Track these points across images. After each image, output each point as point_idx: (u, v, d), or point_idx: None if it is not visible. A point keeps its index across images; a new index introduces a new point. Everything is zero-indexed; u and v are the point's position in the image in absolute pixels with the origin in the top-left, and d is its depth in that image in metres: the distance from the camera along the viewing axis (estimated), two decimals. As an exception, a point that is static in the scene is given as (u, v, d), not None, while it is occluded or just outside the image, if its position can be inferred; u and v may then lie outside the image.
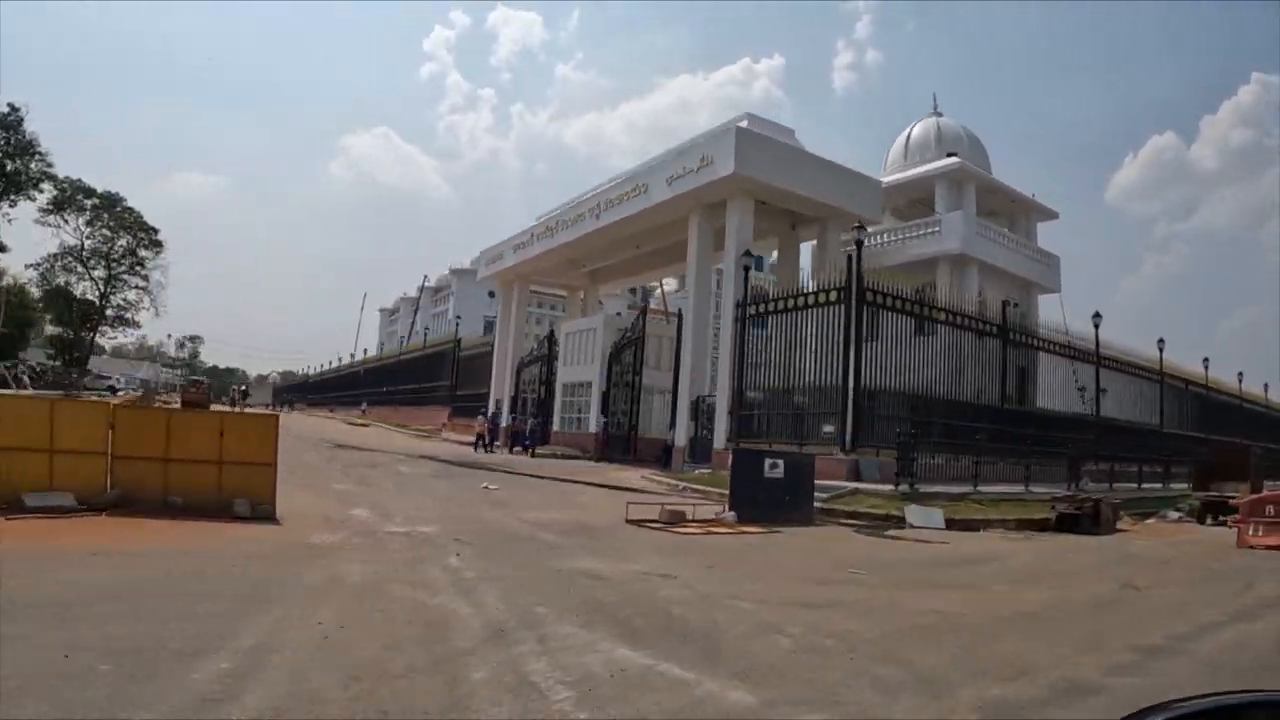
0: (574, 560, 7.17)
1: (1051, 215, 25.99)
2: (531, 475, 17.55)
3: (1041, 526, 12.96)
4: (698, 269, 21.65)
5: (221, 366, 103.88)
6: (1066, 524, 12.81)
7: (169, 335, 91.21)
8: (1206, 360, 30.81)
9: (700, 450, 20.63)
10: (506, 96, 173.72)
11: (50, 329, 54.40)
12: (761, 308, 19.15)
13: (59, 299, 50.08)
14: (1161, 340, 27.71)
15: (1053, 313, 25.63)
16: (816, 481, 15.49)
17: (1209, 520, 16.14)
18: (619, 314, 26.03)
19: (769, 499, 11.66)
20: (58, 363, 50.55)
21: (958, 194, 22.89)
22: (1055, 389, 23.87)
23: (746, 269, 19.65)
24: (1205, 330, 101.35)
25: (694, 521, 10.61)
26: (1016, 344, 20.62)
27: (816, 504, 13.76)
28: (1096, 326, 23.72)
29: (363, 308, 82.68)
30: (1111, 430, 24.17)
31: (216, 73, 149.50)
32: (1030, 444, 19.33)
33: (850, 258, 16.89)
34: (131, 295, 52.18)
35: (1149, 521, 16.44)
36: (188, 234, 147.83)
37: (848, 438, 16.39)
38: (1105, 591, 6.68)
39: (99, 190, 48.96)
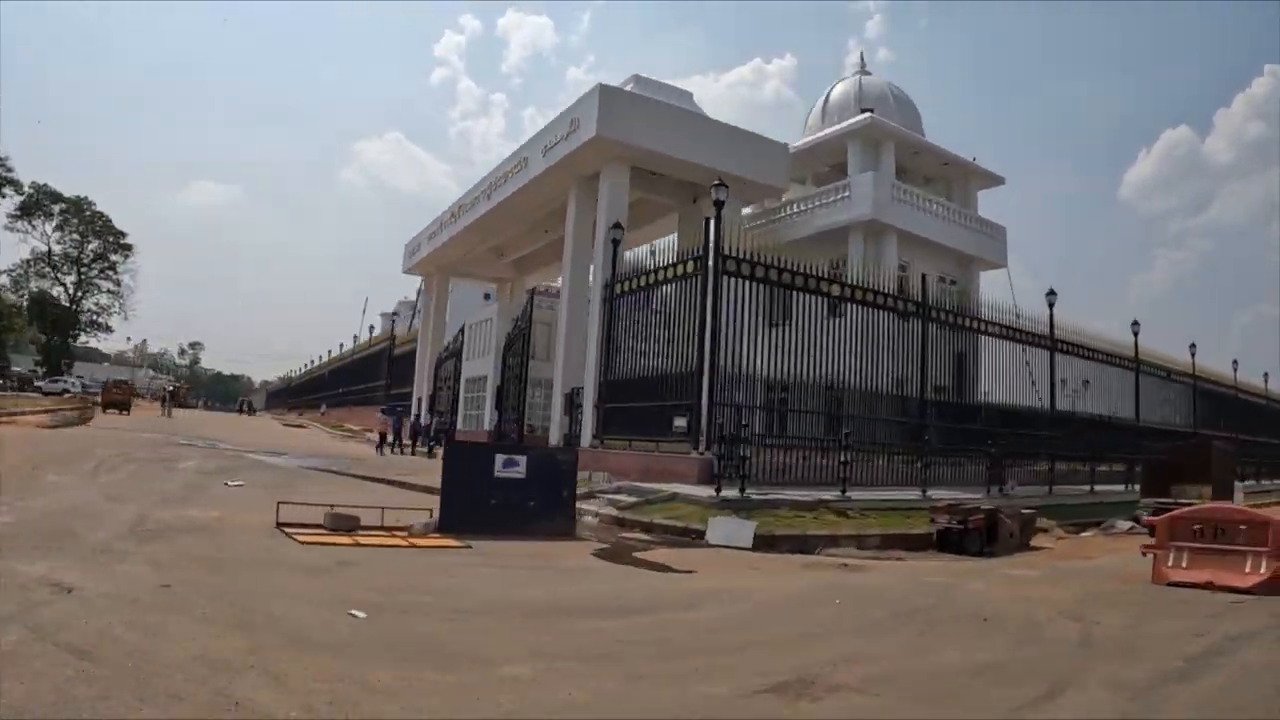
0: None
1: (995, 181, 22.96)
2: (362, 476, 15.55)
3: (925, 544, 10.42)
4: (574, 247, 19.41)
5: (226, 373, 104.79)
6: (950, 542, 10.23)
7: (175, 342, 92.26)
8: (1193, 346, 27.41)
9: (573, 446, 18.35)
10: (518, 101, 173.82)
11: (34, 335, 54.56)
12: (624, 286, 16.82)
13: (38, 305, 50.07)
14: (1136, 323, 24.55)
15: (1001, 291, 22.85)
16: (643, 485, 13.33)
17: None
18: (512, 302, 23.92)
19: (504, 505, 9.30)
20: (43, 369, 50.60)
21: (874, 155, 20.18)
22: (1012, 379, 21.16)
23: (615, 243, 17.34)
24: (1219, 327, 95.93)
25: (378, 529, 8.40)
26: (945, 325, 17.85)
27: (615, 510, 11.44)
28: (1051, 306, 20.71)
29: (364, 311, 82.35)
30: (1073, 425, 21.26)
31: (230, 82, 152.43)
32: (957, 441, 16.75)
33: (708, 221, 14.47)
34: (104, 299, 52.09)
35: (1087, 535, 13.58)
36: (201, 241, 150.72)
37: (702, 434, 13.94)
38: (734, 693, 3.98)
39: (65, 195, 48.89)
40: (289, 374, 78.99)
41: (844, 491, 12.27)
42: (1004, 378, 20.76)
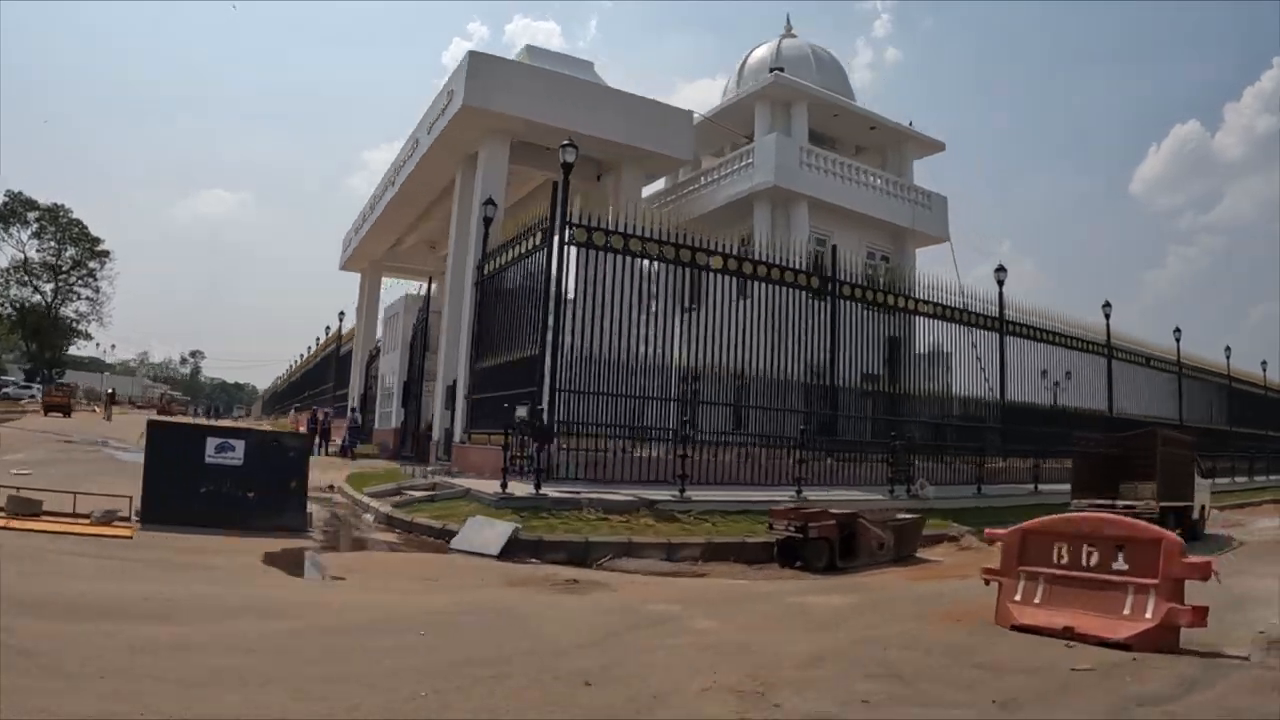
0: None
1: (935, 147, 20.76)
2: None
3: (768, 554, 8.57)
4: (458, 231, 17.87)
5: (230, 381, 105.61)
6: (791, 553, 8.40)
7: (177, 351, 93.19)
8: (1177, 331, 24.89)
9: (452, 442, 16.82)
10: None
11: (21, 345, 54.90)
12: (489, 266, 15.25)
13: (19, 313, 50.27)
14: (1107, 305, 22.27)
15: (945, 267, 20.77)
16: (455, 481, 11.71)
17: None
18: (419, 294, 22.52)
19: (217, 495, 8.04)
20: (38, 377, 50.75)
21: (785, 119, 18.28)
22: (959, 366, 19.13)
23: (487, 221, 15.79)
24: (1231, 323, 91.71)
25: (67, 516, 7.54)
26: (865, 303, 15.89)
27: (390, 509, 9.87)
28: (1000, 284, 18.65)
29: (341, 316, 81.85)
30: (1028, 417, 19.11)
31: (235, 90, 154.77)
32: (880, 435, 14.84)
33: (555, 186, 12.82)
34: (83, 306, 52.14)
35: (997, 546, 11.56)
36: (213, 249, 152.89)
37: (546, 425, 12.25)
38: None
39: (41, 202, 49.02)
40: (276, 381, 79.11)
41: (682, 491, 10.46)
42: (949, 364, 18.83)
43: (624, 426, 12.35)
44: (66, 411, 31.78)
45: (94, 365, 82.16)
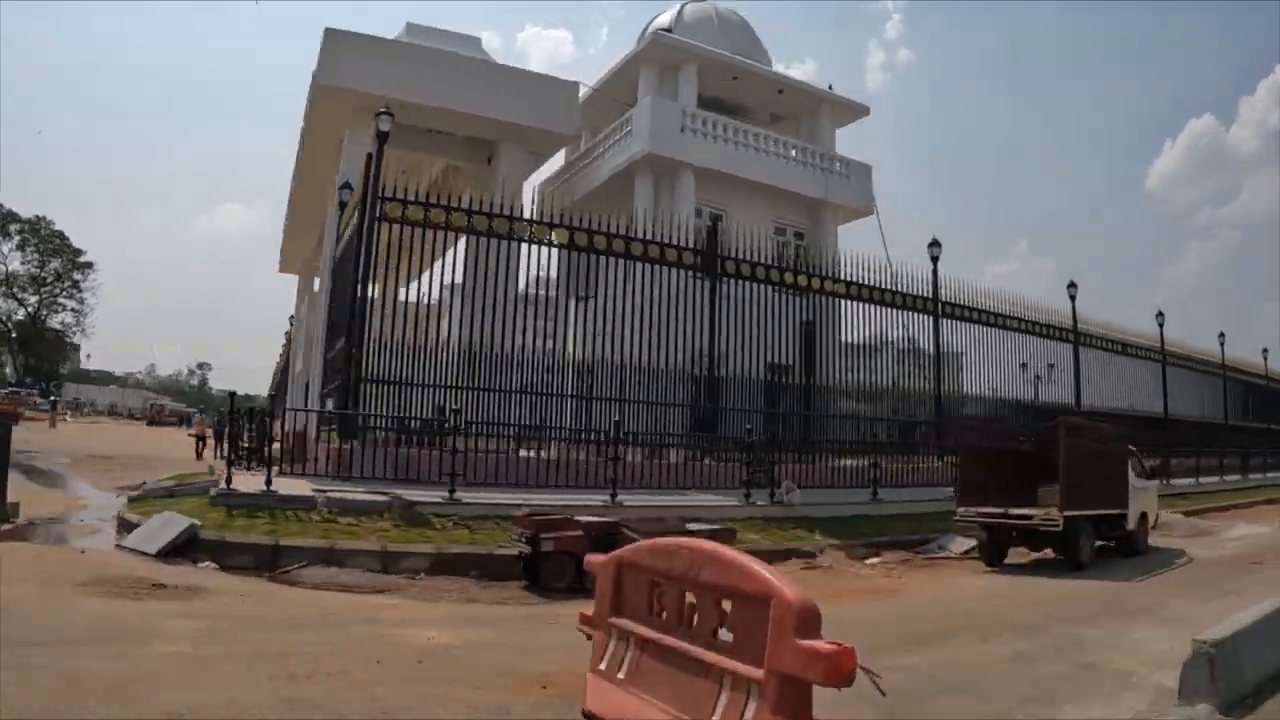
0: None
1: (857, 112, 18.86)
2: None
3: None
4: (337, 225, 16.81)
5: (240, 392, 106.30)
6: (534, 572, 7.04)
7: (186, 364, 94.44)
8: (1160, 315, 22.90)
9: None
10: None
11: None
12: (336, 251, 14.18)
13: (4, 325, 50.92)
14: (1073, 286, 20.32)
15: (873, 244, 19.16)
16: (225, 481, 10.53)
17: (1000, 560, 9.72)
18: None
19: None
20: (39, 389, 51.38)
21: (674, 83, 16.84)
22: (893, 355, 17.52)
23: (342, 205, 14.71)
24: (1251, 317, 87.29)
25: None
26: (760, 282, 14.31)
27: (124, 508, 8.77)
28: (935, 259, 16.83)
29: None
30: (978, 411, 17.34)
31: (244, 100, 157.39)
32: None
33: (368, 157, 11.67)
34: (68, 318, 52.65)
35: (875, 562, 9.67)
36: (226, 262, 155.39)
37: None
38: None
39: (22, 215, 49.61)
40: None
41: (452, 493, 9.11)
42: (881, 354, 17.21)
43: (434, 421, 11.12)
44: (14, 419, 31.70)
45: (101, 379, 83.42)
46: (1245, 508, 18.42)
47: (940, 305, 16.99)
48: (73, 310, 51.93)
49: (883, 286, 16.02)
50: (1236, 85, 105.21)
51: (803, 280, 15.07)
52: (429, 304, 12.81)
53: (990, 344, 17.96)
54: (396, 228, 11.52)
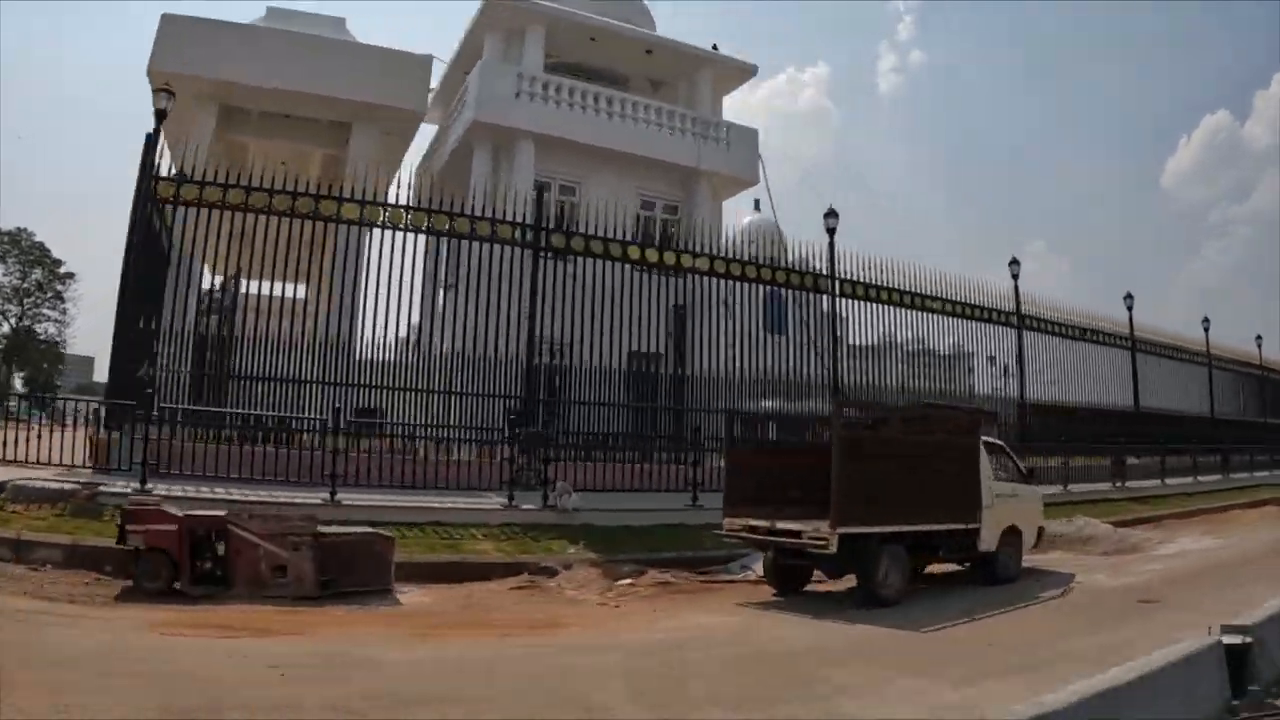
0: None
1: (744, 73, 17.70)
2: None
3: None
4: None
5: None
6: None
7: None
8: (1129, 296, 20.52)
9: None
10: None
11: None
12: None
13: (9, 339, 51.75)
14: (1014, 262, 18.45)
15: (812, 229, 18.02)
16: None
17: (794, 586, 8.09)
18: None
19: None
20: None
21: (520, 48, 15.94)
22: (792, 344, 16.44)
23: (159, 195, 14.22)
24: (1270, 313, 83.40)
25: None
26: (611, 260, 13.23)
27: None
28: (831, 231, 15.49)
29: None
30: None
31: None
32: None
33: (147, 137, 11.12)
34: (52, 328, 53.37)
35: (626, 583, 8.04)
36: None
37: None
38: None
39: (2, 228, 50.33)
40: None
41: (144, 483, 8.37)
42: (774, 341, 16.03)
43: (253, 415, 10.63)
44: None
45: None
46: (1220, 512, 15.96)
47: (837, 284, 15.84)
48: (55, 320, 52.71)
49: (773, 264, 14.90)
50: (1251, 80, 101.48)
51: (669, 258, 14.07)
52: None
53: (937, 330, 16.65)
54: (205, 212, 11.07)
